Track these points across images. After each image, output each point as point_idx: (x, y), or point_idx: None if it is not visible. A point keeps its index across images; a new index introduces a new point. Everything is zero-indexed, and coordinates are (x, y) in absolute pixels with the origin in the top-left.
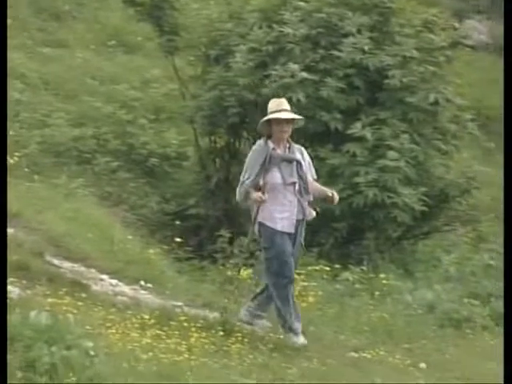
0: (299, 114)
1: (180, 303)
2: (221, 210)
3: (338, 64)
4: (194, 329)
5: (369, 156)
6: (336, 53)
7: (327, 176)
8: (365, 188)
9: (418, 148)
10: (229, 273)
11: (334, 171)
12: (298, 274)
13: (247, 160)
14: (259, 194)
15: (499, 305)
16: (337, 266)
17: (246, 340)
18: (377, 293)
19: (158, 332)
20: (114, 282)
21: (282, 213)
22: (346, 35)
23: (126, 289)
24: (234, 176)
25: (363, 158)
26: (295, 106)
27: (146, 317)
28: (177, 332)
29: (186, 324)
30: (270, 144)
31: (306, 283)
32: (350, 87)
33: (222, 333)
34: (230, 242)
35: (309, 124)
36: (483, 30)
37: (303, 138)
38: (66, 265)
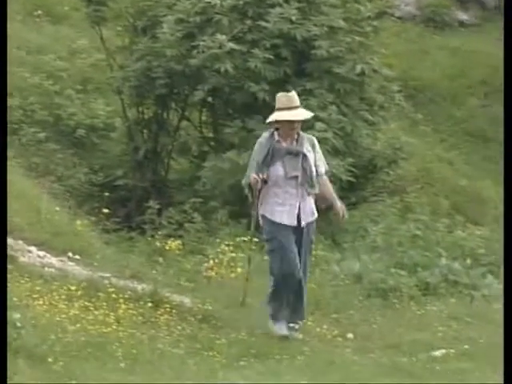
0: (227, 85)
1: (108, 274)
2: (149, 182)
3: (266, 35)
4: (122, 300)
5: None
6: (263, 23)
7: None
8: None
9: (346, 119)
10: (157, 244)
11: None
12: (227, 245)
13: (252, 152)
14: (254, 175)
15: (425, 274)
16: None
17: (174, 311)
18: None
19: (86, 303)
20: (42, 253)
21: (282, 206)
22: (273, 6)
23: (53, 260)
24: (162, 147)
25: None
26: (223, 77)
27: (74, 288)
28: (105, 303)
29: (114, 295)
30: (276, 136)
31: (234, 254)
32: (277, 58)
33: (150, 304)
34: (159, 213)
35: (237, 95)
36: (410, 1)
37: (232, 108)
38: None
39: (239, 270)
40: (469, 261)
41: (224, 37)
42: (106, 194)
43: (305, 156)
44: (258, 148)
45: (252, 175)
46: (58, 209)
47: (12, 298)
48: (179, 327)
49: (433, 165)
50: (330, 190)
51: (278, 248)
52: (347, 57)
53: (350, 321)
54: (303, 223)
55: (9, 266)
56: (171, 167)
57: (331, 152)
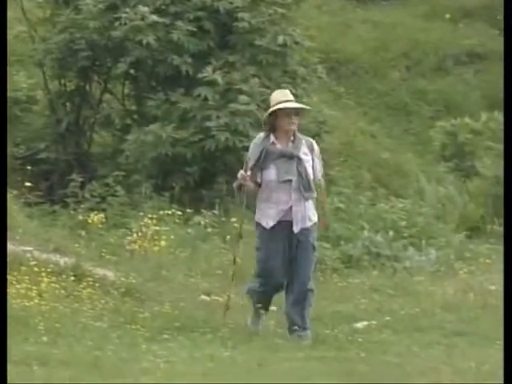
0: (150, 58)
1: (30, 248)
2: (72, 155)
3: (189, 7)
4: (44, 274)
5: (220, 100)
6: None
7: (179, 120)
8: (216, 132)
9: (268, 91)
10: (80, 217)
11: (186, 115)
12: (151, 219)
13: (247, 154)
14: (242, 170)
15: (348, 247)
16: (189, 210)
17: (97, 285)
18: (228, 237)
19: (9, 277)
20: None
21: (275, 212)
22: None
23: None
24: (84, 120)
25: (214, 102)
26: (146, 49)
27: None
28: (27, 277)
29: (36, 269)
30: (271, 138)
31: (157, 227)
32: (200, 30)
33: (72, 278)
34: (82, 186)
35: (160, 67)
36: None
37: (155, 81)
38: None
39: (163, 243)
40: (391, 233)
41: (146, 9)
42: (29, 167)
43: (300, 159)
44: (252, 149)
45: (240, 171)
46: None
47: None
48: (102, 301)
49: (355, 138)
50: (322, 198)
51: (264, 258)
52: (269, 28)
53: None
54: (296, 229)
55: None
56: (94, 140)
57: (254, 125)
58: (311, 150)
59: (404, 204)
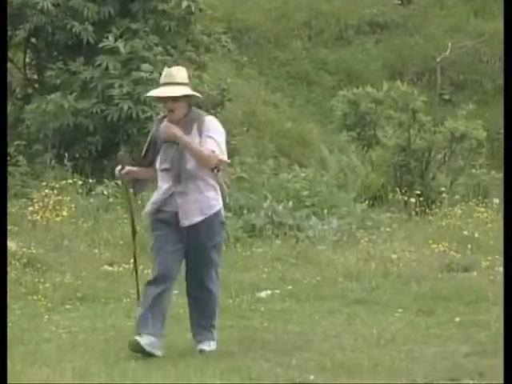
0: (49, 24)
1: None
2: None
3: None
4: None
5: (122, 69)
6: None
7: (80, 90)
8: (119, 101)
9: (172, 60)
10: None
11: (87, 85)
12: (52, 189)
13: None
14: (117, 169)
15: (251, 217)
16: (91, 180)
17: None
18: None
19: None
20: None
21: (159, 202)
22: None
23: None
24: None
25: (116, 70)
26: (45, 16)
27: None
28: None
29: None
30: (163, 121)
31: (59, 197)
32: None
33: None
34: None
35: (60, 35)
36: None
37: (55, 50)
38: None
39: (65, 213)
40: (293, 203)
41: None
42: None
43: (175, 144)
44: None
45: (116, 169)
46: None
47: None
48: None
49: (258, 107)
50: (219, 180)
51: (152, 248)
52: None
53: None
54: (184, 223)
55: None
56: None
57: None
58: (200, 129)
59: (306, 173)
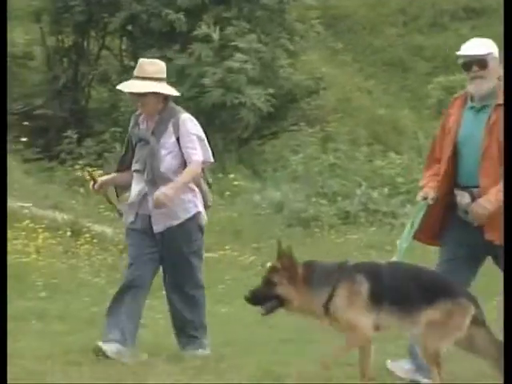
0: (144, 12)
1: (28, 204)
2: (68, 111)
3: None
4: (40, 230)
5: (215, 56)
6: None
7: (175, 76)
8: (211, 88)
9: (265, 48)
10: (78, 174)
11: (181, 72)
12: None
13: None
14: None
15: (345, 204)
16: None
17: (95, 241)
18: (227, 193)
19: None
20: None
21: (132, 205)
22: None
23: None
24: (81, 76)
25: (209, 58)
26: (140, 4)
27: None
28: (23, 233)
29: (33, 225)
30: (139, 118)
31: None
32: None
33: (69, 233)
34: (78, 142)
35: (154, 23)
36: None
37: (151, 37)
38: None
39: None
40: (388, 189)
41: None
42: (26, 123)
43: (150, 145)
44: None
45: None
46: None
47: None
48: (100, 257)
49: (352, 94)
50: (182, 176)
51: (130, 257)
52: None
53: (271, 249)
54: (157, 229)
55: None
56: (91, 96)
57: (250, 81)
58: (177, 129)
59: (401, 160)
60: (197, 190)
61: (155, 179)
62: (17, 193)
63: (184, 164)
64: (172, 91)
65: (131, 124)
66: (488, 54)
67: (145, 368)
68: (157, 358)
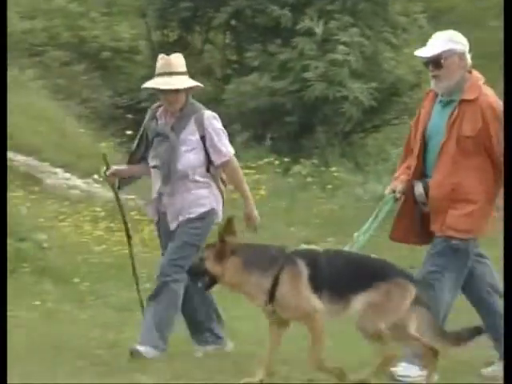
0: (249, 8)
1: (132, 196)
2: None
3: None
4: (146, 222)
5: (318, 50)
6: None
7: (278, 70)
8: (314, 82)
9: (368, 42)
10: None
11: (284, 66)
12: (250, 168)
13: None
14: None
15: None
16: (288, 159)
17: None
18: (328, 186)
19: (111, 225)
20: (67, 175)
21: (154, 202)
22: None
23: (78, 182)
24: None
25: (312, 52)
26: None
27: (98, 209)
28: (129, 225)
29: (137, 217)
30: (158, 111)
31: (257, 176)
32: None
33: None
34: None
35: (259, 18)
36: None
37: (254, 32)
38: (19, 158)
39: (262, 192)
40: None
41: None
42: (130, 116)
43: (171, 141)
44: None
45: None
46: (82, 131)
47: (38, 219)
48: None
49: None
50: (237, 183)
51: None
52: None
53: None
54: (173, 225)
55: (35, 188)
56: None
57: (353, 75)
58: (201, 126)
59: None
60: (214, 186)
61: (170, 175)
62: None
63: (206, 162)
64: (199, 84)
65: (147, 117)
66: (443, 52)
67: None
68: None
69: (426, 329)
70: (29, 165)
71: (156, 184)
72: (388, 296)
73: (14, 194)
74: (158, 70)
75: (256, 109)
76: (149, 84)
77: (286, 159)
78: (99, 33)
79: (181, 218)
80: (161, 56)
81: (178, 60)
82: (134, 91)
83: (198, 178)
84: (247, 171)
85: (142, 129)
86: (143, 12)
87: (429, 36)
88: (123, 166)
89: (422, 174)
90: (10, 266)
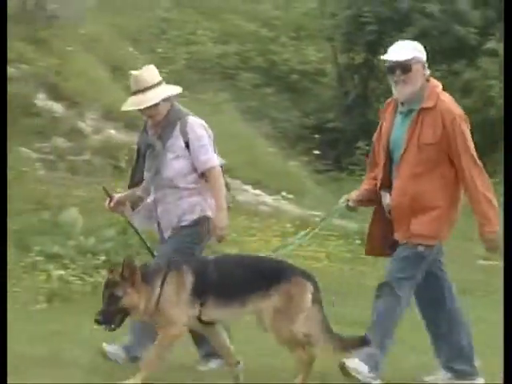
0: (434, 29)
1: (319, 213)
2: (357, 125)
3: None
4: (332, 238)
5: (501, 70)
6: None
7: (461, 90)
8: (499, 101)
9: None
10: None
11: (468, 85)
12: None
13: None
14: (107, 201)
15: None
16: None
17: None
18: None
19: (297, 241)
20: (257, 192)
21: (139, 209)
22: None
23: (268, 199)
24: (371, 91)
25: (495, 72)
26: (430, 20)
27: (288, 225)
28: (316, 240)
29: (324, 233)
30: (147, 125)
31: None
32: (482, 1)
33: (358, 241)
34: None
35: (444, 39)
36: None
37: (439, 52)
38: None
39: None
40: None
41: None
42: (317, 136)
43: (157, 152)
44: None
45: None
46: (271, 150)
47: (232, 234)
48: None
49: None
50: (214, 192)
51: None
52: None
53: None
54: (166, 234)
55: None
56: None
57: None
58: (184, 133)
59: None
60: (208, 194)
61: (159, 183)
62: (308, 202)
63: (195, 169)
64: (177, 89)
65: (140, 132)
66: (412, 59)
67: None
68: None
69: (316, 326)
70: None
71: (151, 196)
72: (290, 296)
73: None
74: (131, 89)
75: None
76: (125, 107)
77: None
78: (288, 56)
79: (174, 226)
80: (132, 73)
81: (148, 73)
82: (321, 111)
83: (189, 185)
84: None
85: (136, 150)
86: (330, 36)
87: None
88: (126, 193)
89: (388, 184)
90: None
